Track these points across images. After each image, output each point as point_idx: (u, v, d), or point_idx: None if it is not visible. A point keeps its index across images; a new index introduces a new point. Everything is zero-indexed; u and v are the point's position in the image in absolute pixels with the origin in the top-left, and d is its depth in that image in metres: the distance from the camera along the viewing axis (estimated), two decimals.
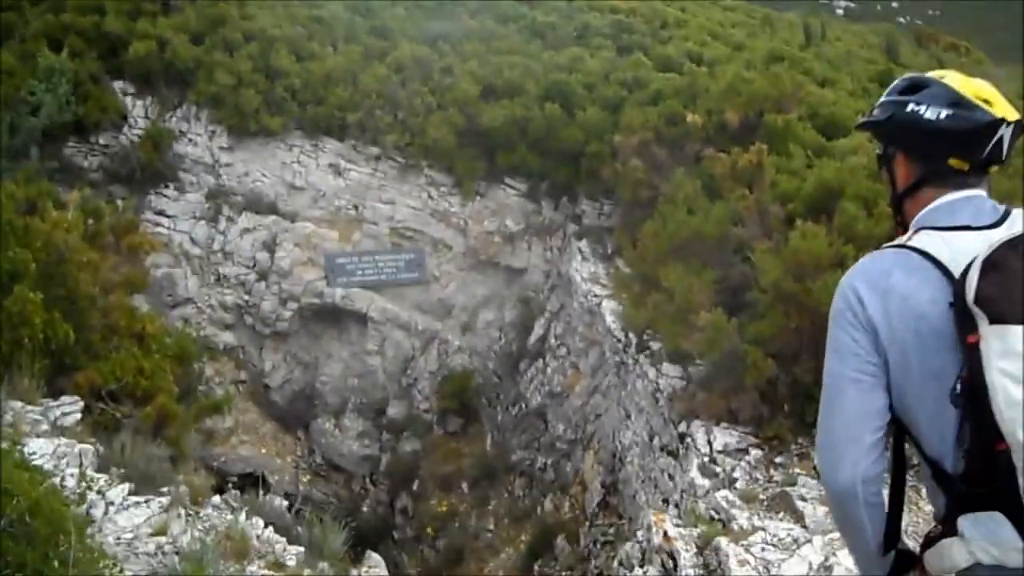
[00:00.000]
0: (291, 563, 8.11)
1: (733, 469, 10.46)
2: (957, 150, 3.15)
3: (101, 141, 21.16)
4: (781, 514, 9.10)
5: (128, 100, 21.43)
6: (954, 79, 3.22)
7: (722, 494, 9.67)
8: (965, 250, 2.96)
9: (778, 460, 10.50)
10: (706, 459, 11.01)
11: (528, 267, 21.36)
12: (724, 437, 11.17)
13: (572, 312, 18.65)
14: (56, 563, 4.79)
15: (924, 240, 3.09)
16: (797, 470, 10.03)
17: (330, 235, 21.34)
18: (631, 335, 15.05)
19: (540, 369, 19.64)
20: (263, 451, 20.85)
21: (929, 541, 3.09)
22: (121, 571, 5.62)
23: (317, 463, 21.55)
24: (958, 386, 2.86)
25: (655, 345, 14.24)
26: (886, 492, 3.20)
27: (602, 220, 20.03)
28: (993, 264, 2.81)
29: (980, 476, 2.85)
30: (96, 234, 12.36)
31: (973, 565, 2.92)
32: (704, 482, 10.50)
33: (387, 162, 21.32)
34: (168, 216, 21.06)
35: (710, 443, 11.22)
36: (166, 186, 21.24)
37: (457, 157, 20.84)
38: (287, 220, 21.33)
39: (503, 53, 22.21)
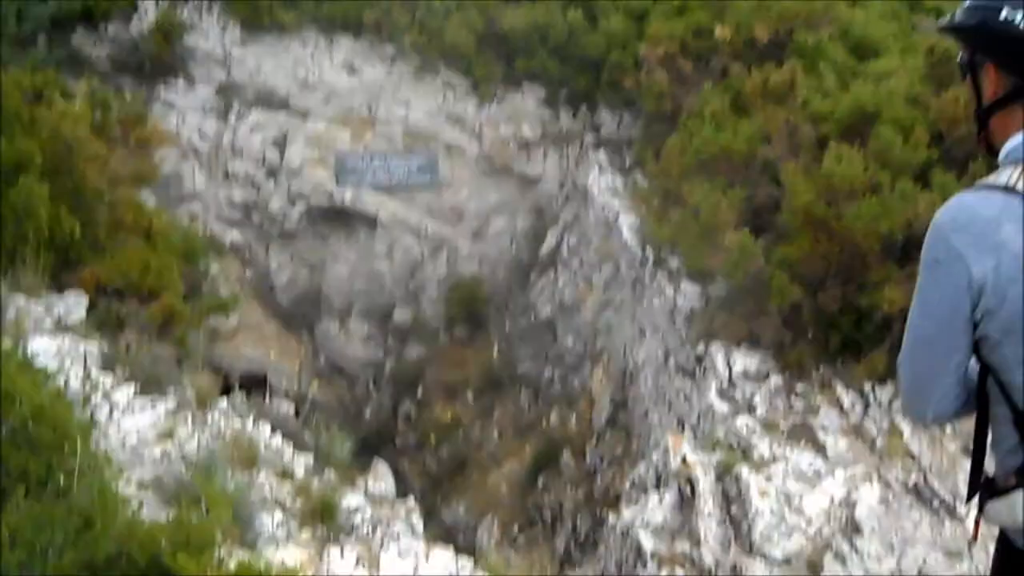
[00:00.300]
0: (299, 471, 7.88)
1: (752, 395, 10.20)
2: None
3: (110, 31, 20.65)
4: (803, 444, 8.86)
5: None
6: None
7: (742, 420, 9.44)
8: None
9: (799, 388, 10.23)
10: (724, 383, 10.76)
11: (543, 176, 20.98)
12: (744, 361, 10.90)
13: (587, 224, 18.32)
14: (60, 473, 4.53)
15: None
16: (819, 399, 9.76)
17: (342, 135, 20.94)
18: (649, 250, 14.75)
19: (551, 280, 19.36)
20: (267, 351, 20.66)
21: (997, 491, 2.98)
22: (128, 480, 5.35)
23: (321, 365, 21.40)
24: None
25: (674, 262, 13.94)
26: None
27: (621, 132, 19.63)
28: None
29: None
30: (104, 126, 11.96)
31: None
32: (722, 406, 10.26)
33: (403, 62, 20.84)
34: (176, 110, 20.62)
35: (729, 366, 10.96)
36: (175, 79, 20.78)
37: (475, 60, 20.36)
38: (298, 118, 20.92)
39: None
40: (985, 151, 3.09)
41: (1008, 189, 2.77)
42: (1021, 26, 2.80)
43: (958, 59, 3.14)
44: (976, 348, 2.94)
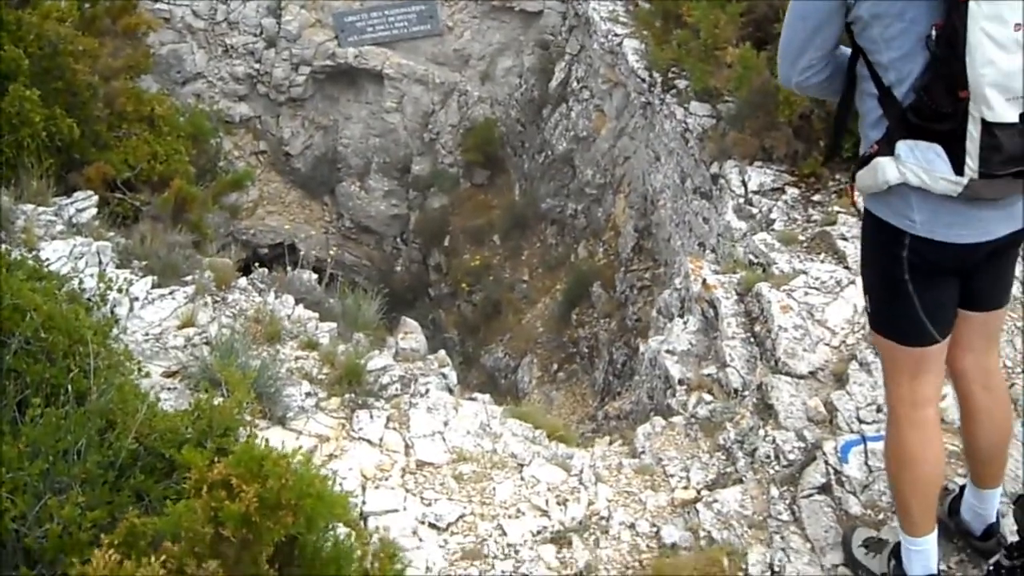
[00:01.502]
0: (324, 340, 7.97)
1: (770, 210, 10.14)
2: None
3: None
4: (822, 255, 8.82)
5: None
6: None
7: (760, 237, 9.39)
8: None
9: (816, 198, 10.16)
10: (741, 200, 10.70)
11: (544, 9, 20.62)
12: (759, 176, 10.80)
13: (593, 53, 18.04)
14: (78, 375, 4.61)
15: None
16: (836, 208, 9.68)
17: None
18: (656, 74, 14.52)
19: (564, 114, 19.19)
20: (290, 221, 20.78)
21: (863, 160, 3.54)
22: (147, 373, 5.45)
23: (346, 227, 21.50)
24: (933, 32, 3.14)
25: (681, 84, 13.73)
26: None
27: None
28: None
29: (930, 112, 3.25)
30: (92, 19, 11.80)
31: (900, 184, 3.41)
32: (740, 224, 10.22)
33: None
34: None
35: (744, 183, 10.88)
36: None
37: None
38: None
39: None
40: None
41: None
42: None
43: None
44: (849, 31, 3.45)
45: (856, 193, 3.81)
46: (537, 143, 19.95)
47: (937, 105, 3.21)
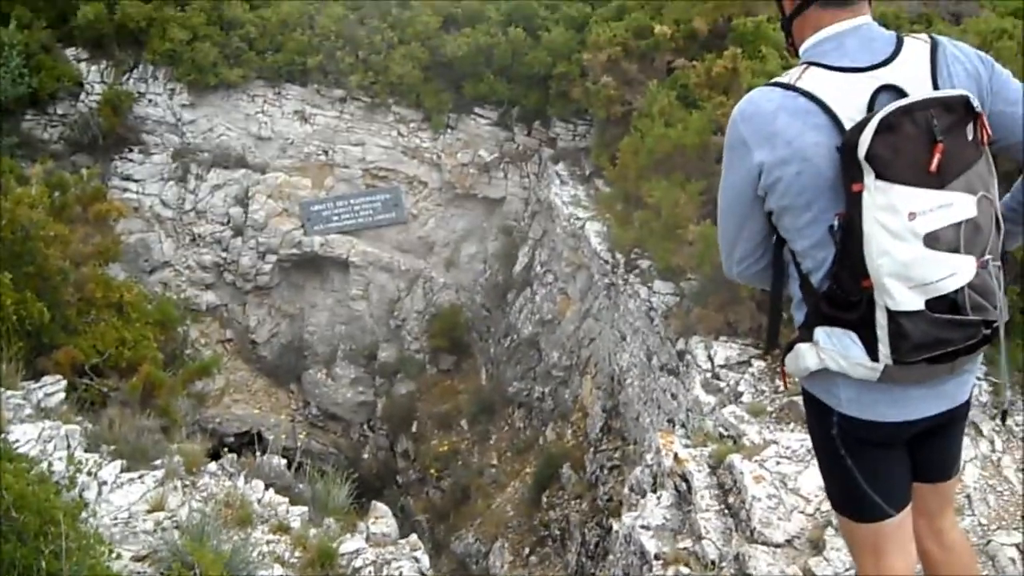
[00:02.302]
0: (295, 524, 7.88)
1: (737, 383, 10.25)
2: None
3: (59, 111, 20.61)
4: (792, 425, 8.91)
5: (82, 66, 20.79)
6: None
7: (729, 410, 9.47)
8: (852, 92, 3.16)
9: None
10: (708, 375, 10.81)
11: (506, 196, 21.04)
12: (724, 351, 10.96)
13: (556, 237, 18.37)
14: (48, 556, 4.53)
15: (813, 81, 3.20)
16: None
17: (303, 183, 20.97)
18: (618, 255, 14.81)
19: (528, 298, 19.40)
20: (257, 409, 20.67)
21: (789, 346, 3.52)
22: (118, 555, 5.36)
23: (313, 415, 21.40)
24: (836, 223, 3.17)
25: (644, 263, 14.01)
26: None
27: (577, 141, 19.73)
28: (888, 126, 3.00)
29: (841, 300, 3.23)
30: (63, 206, 12.00)
31: (822, 369, 3.37)
32: (709, 399, 10.30)
33: (353, 103, 20.89)
34: (136, 180, 20.58)
35: (711, 358, 11.01)
36: (130, 150, 20.74)
37: (424, 91, 20.41)
38: (257, 172, 20.92)
39: None
40: (795, 56, 3.50)
41: (787, 86, 3.22)
42: None
43: None
44: (770, 223, 3.44)
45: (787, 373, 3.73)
46: (502, 327, 20.10)
47: (846, 293, 3.22)
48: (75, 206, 12.61)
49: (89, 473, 6.57)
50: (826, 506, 7.12)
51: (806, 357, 3.39)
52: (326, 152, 21.07)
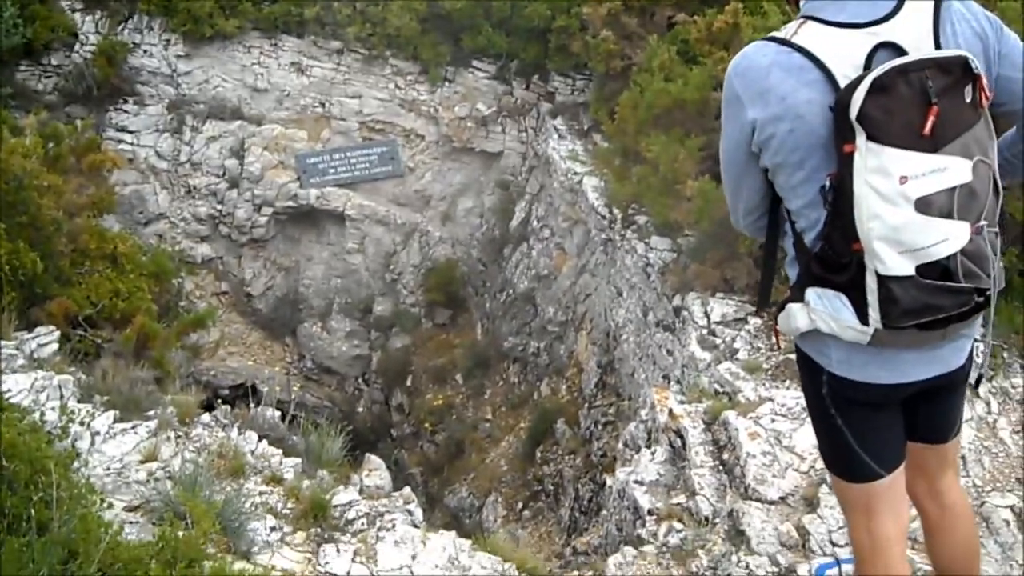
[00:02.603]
0: (288, 476, 7.85)
1: (733, 340, 10.22)
2: None
3: (53, 62, 20.51)
4: (787, 382, 8.88)
5: (77, 16, 20.68)
6: None
7: (725, 366, 9.44)
8: (849, 49, 3.08)
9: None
10: (704, 331, 10.78)
11: (504, 150, 20.98)
12: (721, 308, 10.93)
13: (553, 192, 18.31)
14: (38, 505, 4.50)
15: (808, 37, 3.11)
16: None
17: (299, 135, 20.89)
18: (616, 211, 14.75)
19: (525, 253, 19.36)
20: (252, 361, 20.68)
21: (781, 305, 3.45)
22: (110, 505, 5.33)
23: (308, 368, 21.42)
24: (827, 183, 3.11)
25: (641, 219, 13.96)
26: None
27: (575, 96, 19.63)
28: (881, 86, 2.92)
29: (832, 262, 3.18)
30: (57, 157, 11.90)
31: (813, 330, 3.31)
32: (705, 355, 10.28)
33: (350, 55, 20.79)
34: (131, 132, 20.53)
35: (707, 315, 10.98)
36: (125, 101, 20.66)
37: (421, 44, 20.31)
38: (253, 124, 20.84)
39: None
40: (796, 9, 3.37)
41: (782, 41, 3.12)
42: None
43: None
44: (768, 181, 3.39)
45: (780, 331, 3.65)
46: (498, 282, 20.07)
47: (837, 255, 3.16)
48: (69, 157, 12.51)
49: (82, 423, 6.53)
50: (820, 464, 7.10)
51: (797, 317, 3.34)
52: (323, 104, 20.98)
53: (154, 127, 20.63)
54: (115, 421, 7.73)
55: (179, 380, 10.80)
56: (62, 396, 7.65)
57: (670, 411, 8.47)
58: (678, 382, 10.96)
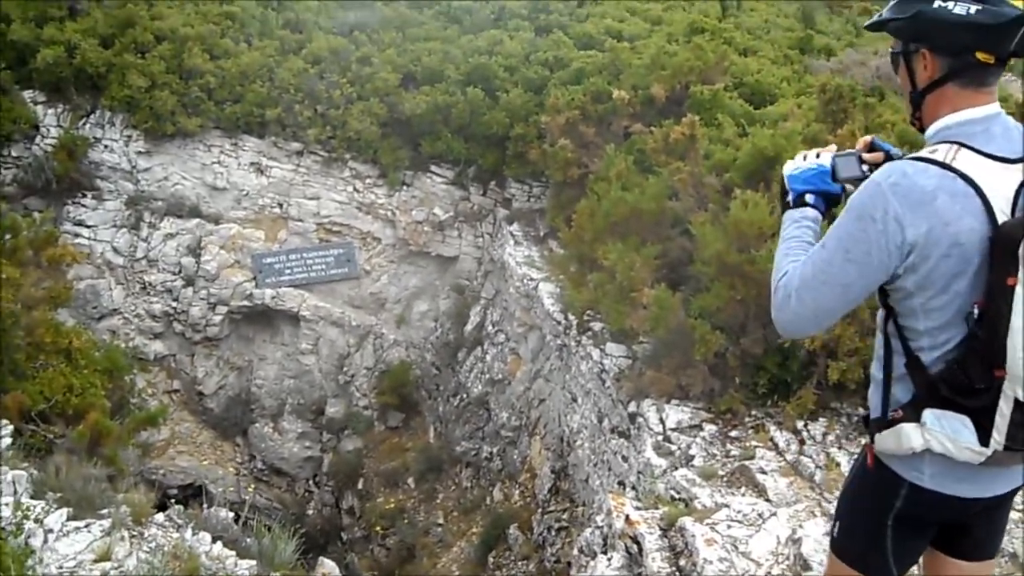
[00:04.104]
0: None
1: (689, 446, 10.28)
2: (986, 44, 3.23)
3: (13, 153, 20.46)
4: (743, 489, 8.95)
5: (39, 109, 20.71)
6: None
7: (681, 473, 9.49)
8: (1002, 182, 3.16)
9: (733, 434, 10.35)
10: (660, 438, 10.83)
11: (460, 255, 21.15)
12: (676, 414, 10.99)
13: (508, 297, 18.43)
14: None
15: (968, 164, 3.18)
16: (754, 442, 9.88)
17: (256, 235, 20.92)
18: (571, 316, 14.86)
19: (479, 357, 19.41)
20: (202, 461, 20.44)
21: (887, 423, 3.50)
22: None
23: (258, 468, 21.19)
24: (975, 311, 3.17)
25: (596, 325, 14.07)
26: None
27: (532, 202, 19.89)
28: None
29: (964, 386, 3.24)
30: (15, 249, 11.87)
31: (924, 451, 3.39)
32: (660, 461, 10.31)
33: (310, 157, 20.94)
34: (88, 226, 20.46)
35: (662, 421, 11.04)
36: (84, 195, 20.62)
37: (381, 148, 20.52)
38: (211, 223, 20.85)
39: (421, 40, 21.88)
40: (920, 131, 3.52)
41: (944, 165, 3.18)
42: (956, 11, 3.20)
43: (890, 50, 3.62)
44: (881, 290, 3.42)
45: (874, 450, 3.68)
46: (452, 386, 20.07)
47: (971, 380, 3.23)
48: (26, 249, 12.47)
49: (36, 520, 6.45)
50: (776, 570, 7.15)
51: (911, 437, 3.41)
52: (281, 205, 21.06)
53: (112, 222, 20.59)
54: (68, 519, 7.64)
55: (128, 479, 10.70)
56: (16, 492, 7.57)
57: (627, 517, 8.48)
58: (634, 488, 10.97)
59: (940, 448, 3.34)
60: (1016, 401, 3.17)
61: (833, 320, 3.52)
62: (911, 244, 3.17)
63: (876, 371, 3.61)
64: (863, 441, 3.70)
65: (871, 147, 3.83)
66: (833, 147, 3.82)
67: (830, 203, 3.72)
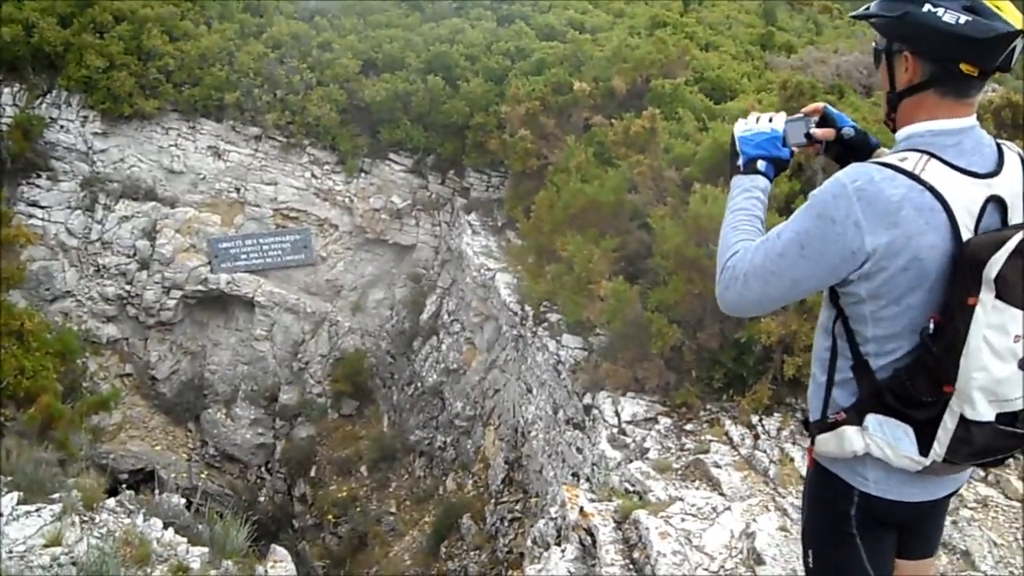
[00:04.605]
0: (195, 565, 7.73)
1: (644, 439, 10.31)
2: (972, 56, 3.17)
3: None
4: (697, 483, 8.99)
5: None
6: None
7: (635, 465, 9.52)
8: (969, 197, 3.15)
9: (688, 428, 10.39)
10: (615, 430, 10.85)
11: (417, 243, 21.12)
12: (632, 407, 11.02)
13: (465, 287, 18.41)
14: None
15: (937, 177, 3.15)
16: (709, 436, 9.93)
17: (212, 219, 20.78)
18: (528, 308, 14.87)
19: (435, 346, 19.39)
20: (154, 446, 20.30)
21: (828, 425, 3.49)
22: None
23: (210, 454, 21.07)
24: (931, 325, 3.17)
25: (553, 317, 14.09)
26: None
27: (490, 192, 19.89)
28: (1019, 251, 3.00)
29: (908, 397, 3.26)
30: None
31: (865, 455, 3.41)
32: (615, 454, 10.34)
33: (268, 142, 20.82)
34: (42, 207, 20.20)
35: (618, 414, 11.06)
36: (38, 176, 20.36)
37: (340, 134, 20.46)
38: (167, 206, 20.69)
39: (382, 27, 21.83)
40: (892, 131, 3.47)
41: (912, 176, 3.14)
42: (944, 19, 3.13)
43: (874, 45, 3.51)
44: (832, 290, 3.40)
45: (813, 453, 3.69)
46: (407, 375, 20.03)
47: (917, 392, 3.23)
48: None
49: None
50: (730, 563, 7.19)
51: (852, 441, 3.41)
52: (238, 190, 20.93)
53: (66, 203, 20.35)
54: (19, 503, 7.56)
55: (78, 464, 10.61)
56: None
57: (581, 509, 8.50)
58: (588, 480, 10.99)
59: (879, 453, 3.36)
60: (961, 417, 3.18)
61: (777, 307, 3.57)
62: (868, 252, 3.15)
63: (818, 372, 3.60)
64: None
65: (823, 115, 3.80)
66: (783, 113, 3.78)
67: (780, 169, 3.68)
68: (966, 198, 3.15)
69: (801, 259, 3.25)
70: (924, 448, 3.29)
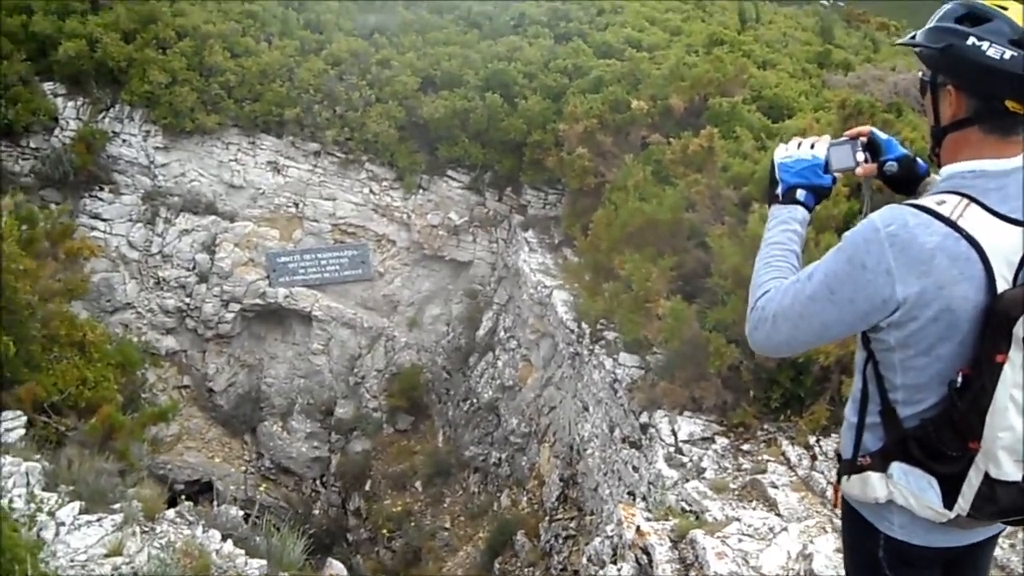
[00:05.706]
0: None
1: (700, 459, 10.27)
2: (1017, 93, 3.01)
3: (32, 144, 20.47)
4: (754, 503, 8.94)
5: (59, 101, 20.70)
6: (1016, 13, 3.04)
7: (692, 485, 9.49)
8: (1008, 247, 2.97)
9: (745, 447, 10.34)
10: (671, 449, 10.83)
11: (474, 259, 21.15)
12: (688, 426, 10.99)
13: (521, 304, 18.42)
14: None
15: (975, 224, 2.97)
16: (766, 457, 9.87)
17: (271, 234, 20.94)
18: (584, 325, 14.86)
19: (490, 363, 19.40)
20: (211, 457, 20.46)
21: (855, 468, 3.42)
22: None
23: (266, 467, 21.19)
24: (959, 379, 3.03)
25: (610, 335, 14.06)
26: None
27: (547, 209, 19.91)
28: None
29: (934, 450, 3.15)
30: (31, 240, 11.90)
31: (888, 502, 3.33)
32: (672, 473, 10.31)
33: (327, 158, 20.95)
34: (104, 220, 20.46)
35: (674, 433, 11.03)
36: (100, 189, 20.61)
37: (398, 151, 20.55)
38: (226, 220, 20.87)
39: (440, 44, 21.90)
40: (939, 167, 3.31)
41: (949, 222, 2.98)
42: (989, 53, 2.97)
43: (920, 75, 3.34)
44: (864, 337, 3.30)
45: (839, 491, 3.62)
46: (462, 391, 20.07)
47: (943, 446, 3.11)
48: (43, 241, 12.52)
49: (48, 513, 6.46)
50: None
51: (876, 487, 3.34)
52: (296, 205, 21.08)
53: (128, 216, 20.60)
54: (80, 512, 7.65)
55: (141, 473, 10.73)
56: (28, 483, 7.58)
57: (637, 528, 8.48)
58: (644, 499, 10.96)
59: (903, 501, 3.28)
60: (986, 475, 3.06)
61: (807, 349, 3.55)
62: (899, 301, 3.03)
63: (850, 414, 3.49)
64: None
65: (869, 139, 3.68)
66: (827, 137, 3.67)
67: (820, 198, 3.60)
68: (1006, 247, 2.97)
69: (830, 304, 3.16)
70: (949, 502, 3.19)
